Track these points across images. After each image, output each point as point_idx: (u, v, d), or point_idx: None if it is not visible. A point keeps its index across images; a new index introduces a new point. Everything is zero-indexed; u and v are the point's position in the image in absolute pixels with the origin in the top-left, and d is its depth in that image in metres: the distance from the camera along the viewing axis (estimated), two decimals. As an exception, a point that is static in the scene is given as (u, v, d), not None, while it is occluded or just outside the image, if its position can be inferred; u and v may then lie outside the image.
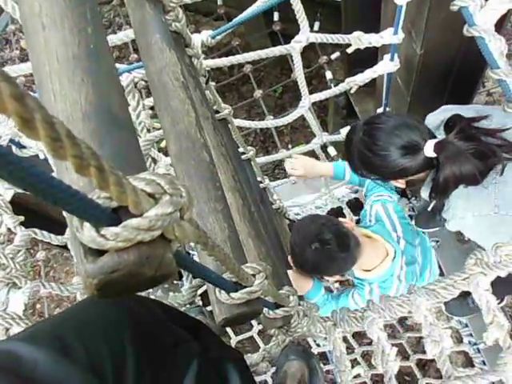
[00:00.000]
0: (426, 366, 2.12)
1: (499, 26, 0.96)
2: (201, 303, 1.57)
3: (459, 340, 1.94)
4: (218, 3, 2.72)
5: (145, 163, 0.43)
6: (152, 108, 1.18)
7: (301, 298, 0.91)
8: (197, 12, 3.31)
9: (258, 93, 2.32)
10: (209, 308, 1.42)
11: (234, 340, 1.98)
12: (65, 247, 1.40)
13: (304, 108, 1.52)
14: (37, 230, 1.16)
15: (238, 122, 1.58)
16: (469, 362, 1.94)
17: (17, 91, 0.19)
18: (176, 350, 0.70)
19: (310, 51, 2.35)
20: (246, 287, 0.54)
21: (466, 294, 1.12)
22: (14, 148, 1.19)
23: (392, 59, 1.31)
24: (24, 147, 1.21)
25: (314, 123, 1.67)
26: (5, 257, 0.97)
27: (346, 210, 2.16)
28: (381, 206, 1.57)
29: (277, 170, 3.03)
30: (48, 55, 0.41)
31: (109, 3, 3.28)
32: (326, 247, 1.30)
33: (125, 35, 1.13)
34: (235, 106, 2.39)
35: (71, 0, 0.44)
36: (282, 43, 1.34)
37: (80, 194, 0.25)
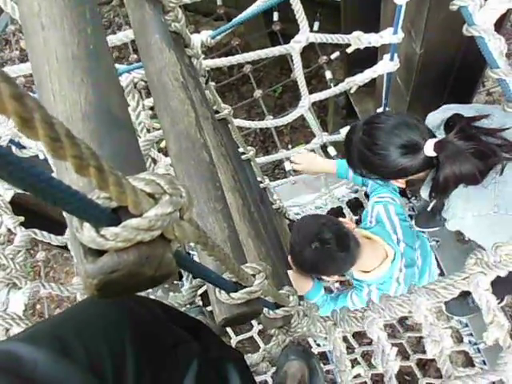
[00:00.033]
0: (426, 365, 2.12)
1: (499, 25, 0.96)
2: (201, 303, 1.57)
3: (459, 340, 1.94)
4: (218, 3, 2.72)
5: (144, 163, 0.43)
6: (152, 108, 1.18)
7: (300, 298, 0.91)
8: (196, 12, 3.30)
9: (257, 93, 2.32)
10: (209, 308, 1.42)
11: (234, 340, 1.98)
12: (65, 247, 1.40)
13: (304, 108, 1.52)
14: (37, 231, 1.16)
15: (237, 121, 1.58)
16: (469, 362, 1.94)
17: (16, 91, 0.19)
18: (176, 350, 0.70)
19: (309, 51, 2.35)
20: (245, 287, 0.54)
21: (466, 294, 1.12)
22: (13, 148, 1.18)
23: (392, 59, 1.31)
24: (24, 147, 1.20)
25: (313, 123, 1.67)
26: (5, 257, 0.97)
27: (346, 210, 2.16)
28: (382, 207, 1.57)
29: (277, 170, 3.03)
30: (47, 55, 0.41)
31: (108, 3, 3.28)
32: (325, 246, 1.30)
33: (124, 35, 1.13)
34: (235, 106, 2.40)
35: (70, 0, 0.44)
36: (281, 43, 1.34)
37: (80, 194, 0.25)
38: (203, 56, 1.02)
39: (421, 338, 2.08)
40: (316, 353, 1.89)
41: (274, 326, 0.82)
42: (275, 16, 2.50)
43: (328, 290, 1.95)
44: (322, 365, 1.18)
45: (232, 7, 2.67)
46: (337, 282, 2.03)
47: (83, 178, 0.24)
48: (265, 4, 1.17)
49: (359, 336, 2.11)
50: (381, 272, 1.42)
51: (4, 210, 1.06)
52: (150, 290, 1.41)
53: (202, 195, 0.61)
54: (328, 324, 0.82)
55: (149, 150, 1.08)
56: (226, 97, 3.21)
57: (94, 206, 0.27)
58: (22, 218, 1.09)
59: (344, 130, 1.79)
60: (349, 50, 1.25)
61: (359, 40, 1.21)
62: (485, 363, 1.83)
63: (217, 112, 1.10)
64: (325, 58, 2.31)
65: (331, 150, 2.01)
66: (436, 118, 1.17)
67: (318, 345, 1.96)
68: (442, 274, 1.96)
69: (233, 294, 0.54)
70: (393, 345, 0.71)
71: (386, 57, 1.31)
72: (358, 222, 2.06)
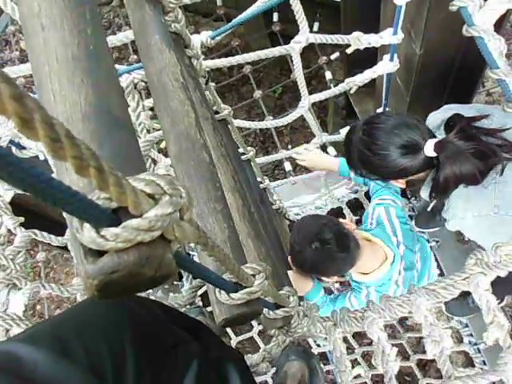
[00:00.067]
0: (426, 366, 2.12)
1: (498, 25, 0.96)
2: (201, 304, 1.57)
3: (459, 340, 1.94)
4: (218, 4, 2.72)
5: (144, 164, 0.43)
6: (152, 109, 1.18)
7: (300, 298, 0.91)
8: (196, 13, 3.31)
9: (257, 93, 2.32)
10: (209, 308, 1.42)
11: (234, 340, 1.98)
12: (65, 248, 1.40)
13: (304, 108, 1.52)
14: (37, 231, 1.16)
15: (237, 122, 1.58)
16: (469, 362, 1.94)
17: (16, 92, 0.19)
18: (176, 351, 0.70)
19: (309, 52, 2.35)
20: (246, 287, 0.54)
21: (466, 294, 1.12)
22: (13, 149, 1.19)
23: (391, 59, 1.31)
24: (24, 148, 1.21)
25: (313, 123, 1.67)
26: (5, 258, 0.97)
27: (346, 211, 2.16)
28: (383, 209, 1.57)
29: (277, 171, 3.03)
30: (47, 56, 0.41)
31: (108, 4, 3.28)
32: (326, 247, 1.30)
33: (124, 36, 1.13)
34: (235, 106, 2.40)
35: (70, 1, 0.44)
36: (281, 44, 1.35)
37: (80, 194, 0.25)
38: (203, 57, 1.02)
39: (421, 338, 2.08)
40: (316, 353, 1.89)
41: (274, 327, 0.82)
42: (275, 17, 2.51)
43: (328, 291, 1.95)
44: (322, 365, 1.18)
45: (232, 8, 2.67)
46: (336, 282, 2.03)
47: (83, 178, 0.24)
48: (265, 5, 1.17)
49: (359, 336, 2.11)
50: (380, 274, 1.41)
51: (4, 211, 1.06)
52: (150, 291, 1.41)
53: (202, 196, 0.61)
54: (328, 324, 0.82)
55: (149, 150, 1.08)
56: (225, 97, 3.21)
57: (94, 207, 0.27)
58: (22, 219, 1.09)
59: (344, 131, 1.80)
60: (349, 51, 1.25)
61: (359, 40, 1.21)
62: (485, 363, 1.83)
63: (217, 112, 1.10)
64: (325, 58, 2.31)
65: (331, 151, 2.01)
66: (437, 118, 1.17)
67: (318, 345, 1.96)
68: (442, 274, 1.96)
69: (233, 295, 0.54)
70: (393, 345, 0.71)
71: (386, 57, 1.31)
72: (358, 223, 2.06)
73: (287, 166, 2.18)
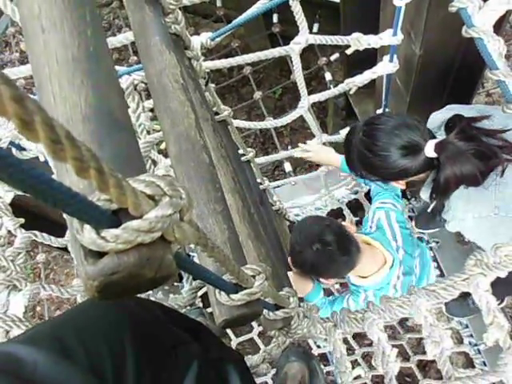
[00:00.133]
0: (426, 366, 2.12)
1: (498, 26, 0.96)
2: (201, 305, 1.57)
3: (459, 341, 1.94)
4: (218, 5, 2.72)
5: (144, 165, 0.43)
6: (152, 110, 1.18)
7: (300, 299, 0.91)
8: (196, 14, 3.30)
9: (257, 94, 2.32)
10: (209, 310, 1.42)
11: (234, 342, 1.98)
12: (65, 249, 1.40)
13: (303, 108, 1.52)
14: (37, 233, 1.16)
15: (237, 122, 1.58)
16: (469, 363, 1.94)
17: (17, 93, 0.19)
18: (176, 351, 0.70)
19: (309, 53, 2.35)
20: (245, 288, 0.54)
21: (466, 295, 1.12)
22: (14, 150, 1.19)
23: (391, 60, 1.31)
24: (24, 149, 1.21)
25: (313, 124, 1.67)
26: (5, 259, 0.97)
27: (346, 211, 2.16)
28: (383, 213, 1.56)
29: (276, 172, 3.03)
30: (48, 57, 0.41)
31: (108, 5, 3.28)
32: (327, 249, 1.30)
33: (124, 37, 1.13)
34: (235, 107, 2.39)
35: (70, 2, 0.44)
36: (281, 45, 1.34)
37: (80, 196, 0.25)
38: (203, 58, 1.02)
39: (421, 339, 2.07)
40: (316, 354, 1.89)
41: (274, 328, 0.82)
42: (275, 18, 2.50)
43: (328, 292, 1.95)
44: (322, 366, 1.18)
45: (232, 9, 2.67)
46: (336, 283, 2.02)
47: (83, 179, 0.24)
48: (264, 6, 1.17)
49: (359, 337, 2.11)
50: (379, 278, 1.41)
51: (4, 212, 1.06)
52: (150, 292, 1.41)
53: (201, 197, 0.61)
54: (328, 325, 0.83)
55: (149, 151, 1.09)
56: (225, 98, 3.21)
57: (94, 208, 0.27)
58: (22, 220, 1.09)
59: (344, 131, 1.79)
60: (348, 52, 1.25)
61: (359, 41, 1.21)
62: (485, 364, 1.83)
63: (217, 114, 1.10)
64: (324, 59, 2.31)
65: (331, 151, 2.01)
66: (438, 119, 1.17)
67: (319, 346, 1.96)
68: (442, 275, 1.96)
69: (233, 296, 0.54)
70: (393, 346, 0.71)
71: (386, 58, 1.31)
72: (357, 224, 2.06)
73: (287, 167, 2.17)
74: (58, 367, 0.50)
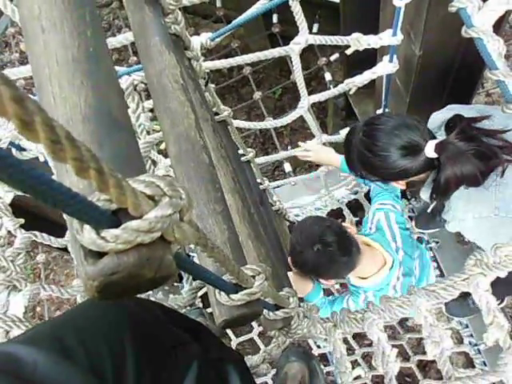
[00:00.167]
0: (426, 367, 2.12)
1: (497, 26, 0.96)
2: (201, 305, 1.57)
3: (460, 341, 1.94)
4: (217, 5, 2.72)
5: (144, 165, 0.43)
6: (151, 110, 1.18)
7: (300, 299, 0.91)
8: (196, 14, 3.31)
9: (257, 94, 2.32)
10: (209, 310, 1.42)
11: (234, 342, 1.98)
12: (65, 250, 1.40)
13: (303, 109, 1.52)
14: (37, 233, 1.16)
15: (237, 123, 1.58)
16: (469, 363, 1.94)
17: (17, 94, 0.19)
18: (176, 351, 0.70)
19: (309, 53, 2.35)
20: (245, 289, 0.54)
21: (466, 295, 1.12)
22: (13, 150, 1.19)
23: (391, 60, 1.31)
24: (24, 150, 1.21)
25: (313, 124, 1.67)
26: (5, 259, 0.97)
27: (346, 212, 2.16)
28: (383, 214, 1.56)
29: (276, 172, 3.03)
30: (48, 58, 0.41)
31: (108, 6, 3.28)
32: (327, 249, 1.30)
33: (124, 38, 1.13)
34: (235, 107, 2.39)
35: (70, 3, 0.44)
36: (281, 45, 1.34)
37: (80, 196, 0.25)
38: (203, 58, 1.02)
39: (421, 339, 2.08)
40: (316, 354, 1.89)
41: (274, 328, 0.82)
42: (274, 18, 2.51)
43: (328, 292, 1.95)
44: (322, 366, 1.18)
45: (231, 9, 2.67)
46: (336, 283, 2.02)
47: (83, 180, 0.24)
48: (264, 6, 1.17)
49: (359, 337, 2.11)
50: (378, 279, 1.41)
51: (4, 213, 1.06)
52: (150, 292, 1.41)
53: (201, 197, 0.61)
54: (328, 325, 0.83)
55: (149, 151, 1.09)
56: (225, 99, 3.21)
57: (94, 208, 0.27)
58: (22, 220, 1.09)
59: (344, 132, 1.79)
60: (348, 52, 1.25)
61: (358, 42, 1.21)
62: (485, 364, 1.83)
63: (216, 114, 1.10)
64: (324, 59, 2.31)
65: (331, 152, 2.01)
66: (438, 119, 1.17)
67: (319, 346, 1.96)
68: (441, 275, 1.96)
69: (233, 296, 0.54)
70: (393, 346, 0.71)
71: (386, 58, 1.32)
72: (357, 224, 2.06)
73: (287, 167, 2.17)
74: (58, 367, 0.50)
